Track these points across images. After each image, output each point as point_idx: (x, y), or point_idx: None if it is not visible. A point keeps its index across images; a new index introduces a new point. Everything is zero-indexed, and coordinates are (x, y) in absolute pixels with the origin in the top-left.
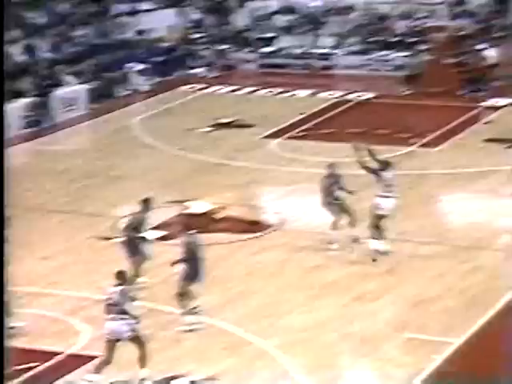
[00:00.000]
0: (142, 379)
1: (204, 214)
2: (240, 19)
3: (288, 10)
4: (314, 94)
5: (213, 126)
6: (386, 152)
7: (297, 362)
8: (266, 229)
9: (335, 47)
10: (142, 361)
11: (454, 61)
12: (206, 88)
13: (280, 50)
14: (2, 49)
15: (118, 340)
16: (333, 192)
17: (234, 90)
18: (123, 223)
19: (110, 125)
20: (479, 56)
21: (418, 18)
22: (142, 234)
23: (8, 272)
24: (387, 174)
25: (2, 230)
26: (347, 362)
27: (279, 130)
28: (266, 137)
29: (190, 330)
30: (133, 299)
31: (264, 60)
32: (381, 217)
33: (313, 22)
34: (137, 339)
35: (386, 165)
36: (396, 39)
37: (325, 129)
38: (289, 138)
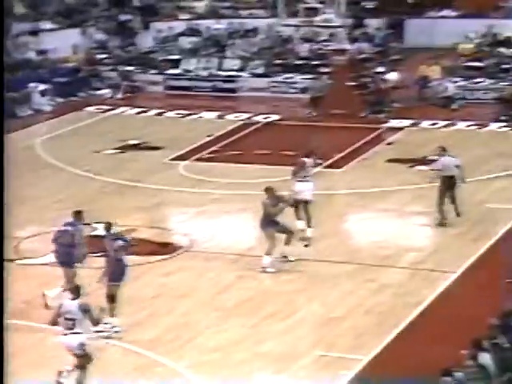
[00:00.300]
0: None
1: None
2: (145, 41)
3: (193, 31)
4: (220, 116)
5: (120, 147)
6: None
7: (209, 382)
8: (176, 250)
9: (240, 70)
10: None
11: (355, 83)
12: (111, 109)
13: (186, 72)
14: (1, 48)
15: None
16: (271, 214)
17: (140, 112)
18: (27, 244)
19: (13, 144)
20: (379, 78)
21: (320, 41)
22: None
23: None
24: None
25: (2, 230)
26: (259, 381)
27: (187, 152)
28: (174, 159)
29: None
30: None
31: (170, 82)
32: (305, 202)
33: (217, 44)
34: (84, 357)
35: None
36: (299, 62)
37: (232, 150)
38: (197, 160)
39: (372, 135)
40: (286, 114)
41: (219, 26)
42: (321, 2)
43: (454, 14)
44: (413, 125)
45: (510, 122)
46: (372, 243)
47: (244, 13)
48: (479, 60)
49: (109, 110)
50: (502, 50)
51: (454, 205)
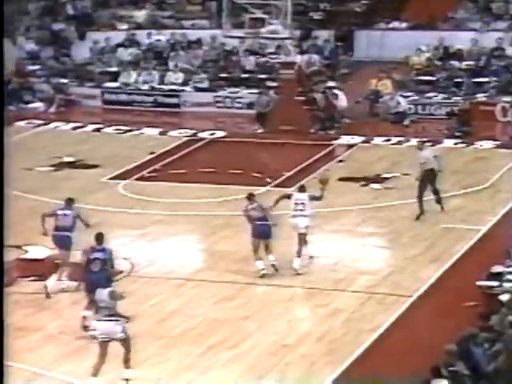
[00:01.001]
0: (127, 379)
1: (43, 260)
2: (81, 52)
3: (132, 42)
4: (163, 133)
5: (54, 165)
6: (241, 192)
7: None
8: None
9: (183, 83)
10: (128, 361)
11: (304, 98)
12: (45, 124)
13: (125, 85)
14: (1, 48)
15: (110, 340)
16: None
17: (76, 128)
18: None
19: None
20: (329, 93)
21: (267, 54)
22: None
23: None
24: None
25: (2, 232)
26: None
27: (127, 171)
28: (113, 178)
29: None
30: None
31: (108, 96)
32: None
33: (159, 56)
34: (127, 340)
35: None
36: (245, 75)
37: (176, 169)
38: (137, 179)
39: (322, 152)
40: (231, 131)
41: (160, 37)
42: (266, 13)
43: (404, 25)
44: (364, 141)
45: (465, 138)
46: (323, 266)
47: (187, 23)
48: (431, 74)
49: (41, 124)
50: (454, 62)
51: (437, 197)
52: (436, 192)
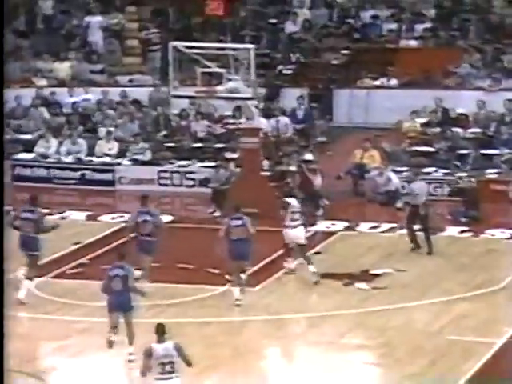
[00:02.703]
0: None
1: None
2: None
3: (52, 103)
4: (91, 217)
5: None
6: (193, 293)
7: None
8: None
9: (119, 155)
10: None
11: (271, 173)
12: None
13: (42, 157)
14: (2, 47)
15: None
16: None
17: None
18: None
19: None
20: (305, 168)
21: (224, 118)
22: None
23: None
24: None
25: (2, 232)
26: None
27: (44, 265)
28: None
29: None
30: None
31: (19, 170)
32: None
33: (87, 120)
34: None
35: None
36: (197, 145)
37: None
38: (57, 276)
39: None
40: (180, 214)
41: (88, 96)
42: (224, 66)
43: (394, 82)
44: (347, 228)
45: (472, 225)
46: None
47: (123, 79)
48: (428, 143)
49: None
50: (457, 130)
51: (426, 238)
52: (426, 233)
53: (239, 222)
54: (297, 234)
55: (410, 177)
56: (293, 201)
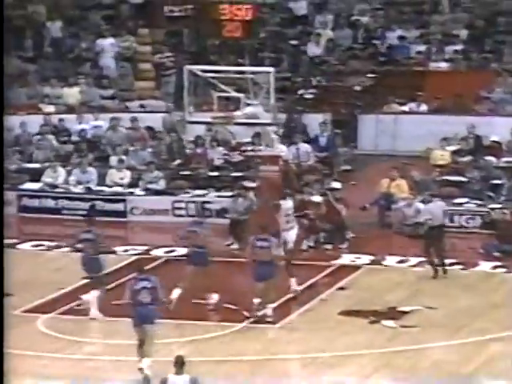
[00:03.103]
0: None
1: None
2: None
3: (60, 130)
4: None
5: None
6: (211, 330)
7: None
8: None
9: (131, 185)
10: None
11: (292, 203)
12: None
13: (50, 187)
14: (1, 50)
15: None
16: None
17: None
18: None
19: None
20: (331, 196)
21: (242, 145)
22: None
23: None
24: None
25: (2, 232)
26: None
27: (50, 301)
28: (30, 310)
29: None
30: None
31: (26, 201)
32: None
33: (97, 148)
34: None
35: None
36: (214, 173)
37: (118, 299)
38: (65, 312)
39: (318, 276)
40: None
41: (99, 122)
42: (242, 91)
43: (423, 108)
44: (373, 262)
45: (507, 260)
46: None
47: (134, 104)
48: (460, 173)
49: None
50: (490, 158)
51: (440, 260)
52: (440, 255)
53: (265, 244)
54: (287, 237)
55: (426, 198)
56: (285, 203)
